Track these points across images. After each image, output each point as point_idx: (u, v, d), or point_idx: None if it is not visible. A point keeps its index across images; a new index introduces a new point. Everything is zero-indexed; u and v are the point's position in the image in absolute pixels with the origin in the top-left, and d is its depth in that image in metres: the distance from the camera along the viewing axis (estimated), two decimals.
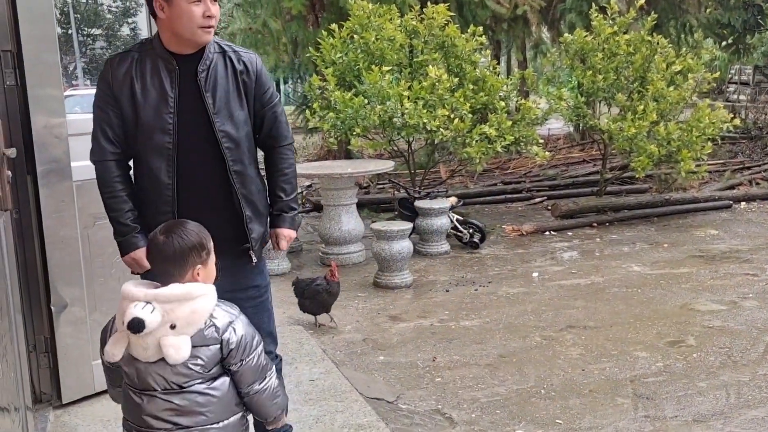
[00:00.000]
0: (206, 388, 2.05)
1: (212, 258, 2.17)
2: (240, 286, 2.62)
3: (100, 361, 2.22)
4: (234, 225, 2.57)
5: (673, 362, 4.29)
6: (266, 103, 2.59)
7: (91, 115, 2.55)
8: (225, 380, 2.10)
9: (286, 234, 2.74)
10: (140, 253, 2.47)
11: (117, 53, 2.46)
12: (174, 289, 2.00)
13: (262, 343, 2.17)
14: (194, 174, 2.48)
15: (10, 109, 3.23)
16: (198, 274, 2.10)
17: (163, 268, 2.07)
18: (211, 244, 2.15)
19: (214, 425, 2.06)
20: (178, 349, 1.97)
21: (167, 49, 2.40)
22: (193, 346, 2.00)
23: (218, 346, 2.04)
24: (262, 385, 2.15)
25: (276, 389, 2.21)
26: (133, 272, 2.59)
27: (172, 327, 1.97)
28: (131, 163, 2.56)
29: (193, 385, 2.03)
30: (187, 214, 2.38)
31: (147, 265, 2.44)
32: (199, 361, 2.02)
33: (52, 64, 3.28)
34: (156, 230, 2.12)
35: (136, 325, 1.93)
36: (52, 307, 3.40)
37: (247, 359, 2.09)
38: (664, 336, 4.73)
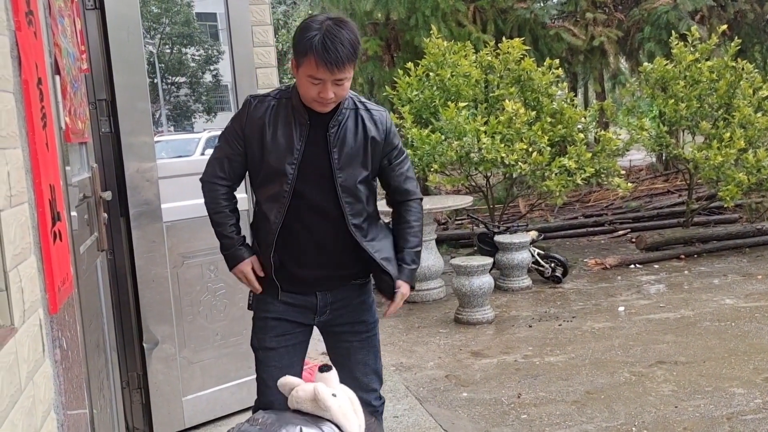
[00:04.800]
0: None
1: None
2: (347, 320, 2.66)
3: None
4: (350, 268, 2.60)
5: None
6: (393, 160, 2.60)
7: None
8: None
9: (405, 291, 2.64)
10: (246, 266, 2.57)
11: (257, 95, 2.52)
12: None
13: None
14: (307, 220, 2.50)
15: (105, 155, 3.40)
16: None
17: None
18: None
19: None
20: None
21: (303, 104, 2.43)
22: None
23: None
24: None
25: None
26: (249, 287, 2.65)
27: None
28: (236, 194, 2.66)
29: None
30: (293, 248, 2.49)
31: (253, 279, 2.57)
32: None
33: (143, 112, 3.43)
34: None
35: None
36: (144, 345, 3.51)
37: None
38: (762, 371, 4.52)
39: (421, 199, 2.74)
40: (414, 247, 2.65)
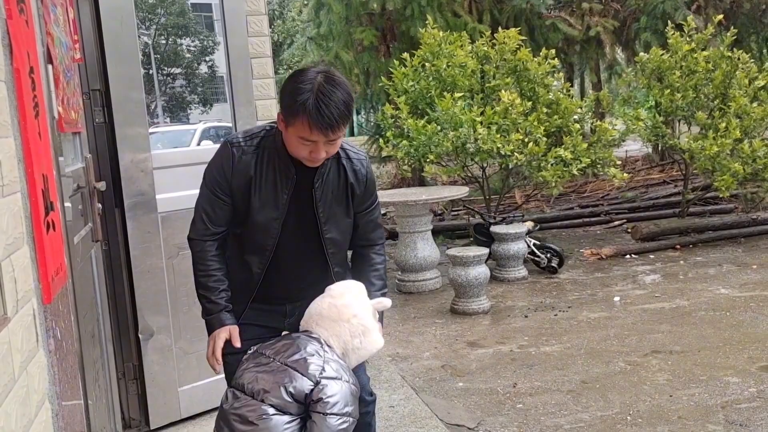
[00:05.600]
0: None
1: None
2: None
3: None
4: (319, 289, 2.53)
5: None
6: (367, 208, 2.55)
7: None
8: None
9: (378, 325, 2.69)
10: (223, 333, 2.42)
11: (236, 143, 2.36)
12: None
13: (353, 419, 2.13)
14: (288, 267, 2.47)
15: (99, 145, 3.39)
16: None
17: None
18: None
19: None
20: None
21: (287, 152, 2.33)
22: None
23: (312, 384, 2.08)
24: None
25: None
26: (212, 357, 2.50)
27: None
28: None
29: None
30: (270, 289, 2.47)
31: (219, 350, 2.40)
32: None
33: (137, 102, 3.42)
34: None
35: None
36: (139, 336, 3.51)
37: (329, 416, 2.07)
38: (756, 360, 4.53)
39: (384, 240, 2.70)
40: (380, 289, 2.60)
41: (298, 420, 2.09)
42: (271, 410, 2.06)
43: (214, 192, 2.38)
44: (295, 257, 2.46)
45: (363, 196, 2.50)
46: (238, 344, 2.40)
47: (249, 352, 2.28)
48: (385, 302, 2.46)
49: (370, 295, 2.54)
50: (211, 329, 2.46)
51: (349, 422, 2.12)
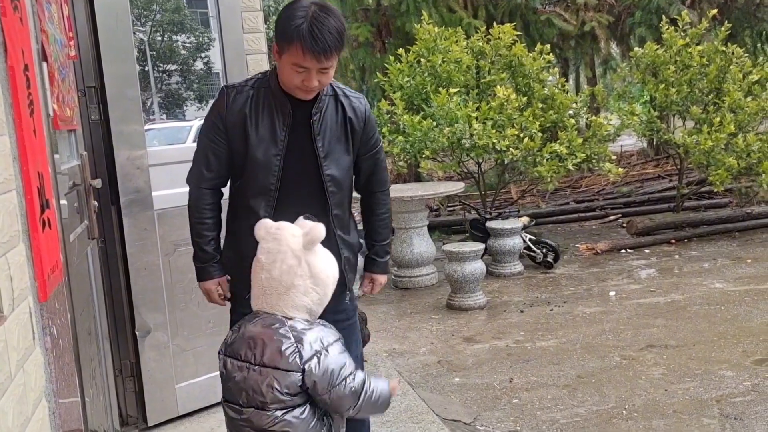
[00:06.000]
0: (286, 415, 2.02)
1: None
2: (327, 310, 2.65)
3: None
4: None
5: (762, 381, 4.12)
6: (370, 149, 2.59)
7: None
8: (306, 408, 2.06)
9: (382, 281, 2.78)
10: (212, 285, 2.54)
11: (232, 85, 2.45)
12: None
13: (352, 367, 2.10)
14: (292, 213, 2.44)
15: (95, 143, 3.38)
16: None
17: None
18: None
19: None
20: None
21: (283, 90, 2.38)
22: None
23: (299, 374, 2.00)
24: (357, 406, 2.08)
25: (371, 396, 2.11)
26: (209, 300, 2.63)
27: None
28: (224, 189, 2.59)
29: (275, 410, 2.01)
30: None
31: (216, 298, 2.56)
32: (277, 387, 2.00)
33: (132, 99, 3.41)
34: None
35: None
36: (136, 333, 3.51)
37: (336, 387, 2.03)
38: (750, 354, 4.56)
39: (389, 190, 2.75)
40: (385, 240, 2.69)
41: (308, 404, 2.05)
42: (279, 412, 2.01)
43: (209, 136, 2.45)
44: (298, 199, 2.45)
45: (363, 135, 2.53)
46: (228, 295, 2.56)
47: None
48: (381, 279, 2.45)
49: (376, 248, 2.63)
50: (200, 278, 2.58)
51: (354, 376, 2.06)
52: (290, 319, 2.06)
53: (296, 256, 2.07)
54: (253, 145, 2.39)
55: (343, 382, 2.03)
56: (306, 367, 1.99)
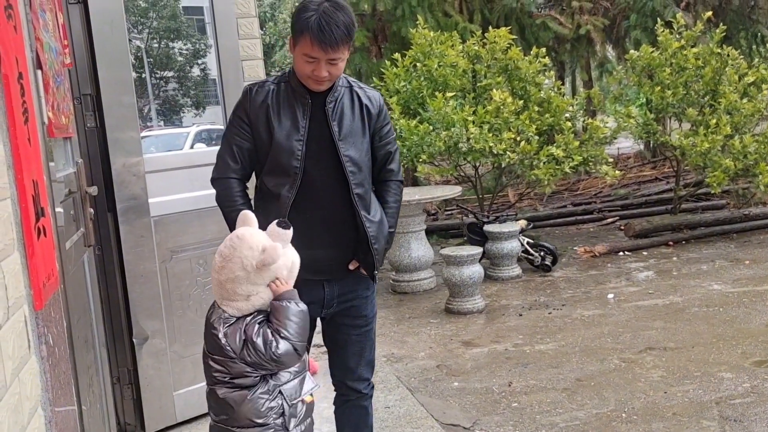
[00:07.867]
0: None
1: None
2: (349, 314, 2.70)
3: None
4: (353, 249, 2.62)
5: (761, 382, 4.12)
6: (384, 137, 2.69)
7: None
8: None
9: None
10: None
11: (254, 83, 2.62)
12: None
13: (260, 338, 2.17)
14: (315, 194, 2.57)
15: (90, 150, 3.38)
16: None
17: None
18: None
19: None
20: None
21: (301, 83, 2.53)
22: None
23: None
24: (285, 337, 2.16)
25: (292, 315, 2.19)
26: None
27: None
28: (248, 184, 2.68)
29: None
30: (303, 228, 2.42)
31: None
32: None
33: (128, 106, 3.41)
34: None
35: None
36: (134, 340, 3.50)
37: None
38: (749, 356, 4.55)
39: (402, 182, 2.82)
40: (390, 228, 2.74)
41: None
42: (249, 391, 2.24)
43: (234, 130, 2.59)
44: (320, 180, 2.55)
45: (378, 121, 2.65)
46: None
47: None
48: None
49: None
50: None
51: (291, 327, 2.15)
52: (229, 315, 2.21)
53: (245, 270, 2.14)
54: (277, 133, 2.52)
55: (282, 342, 2.15)
56: (241, 354, 2.18)
